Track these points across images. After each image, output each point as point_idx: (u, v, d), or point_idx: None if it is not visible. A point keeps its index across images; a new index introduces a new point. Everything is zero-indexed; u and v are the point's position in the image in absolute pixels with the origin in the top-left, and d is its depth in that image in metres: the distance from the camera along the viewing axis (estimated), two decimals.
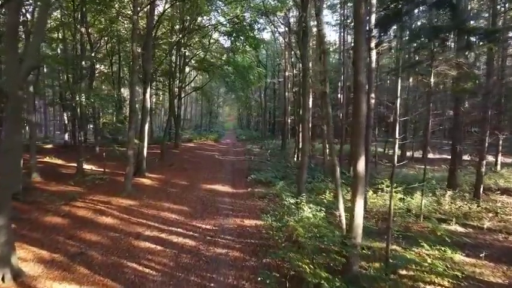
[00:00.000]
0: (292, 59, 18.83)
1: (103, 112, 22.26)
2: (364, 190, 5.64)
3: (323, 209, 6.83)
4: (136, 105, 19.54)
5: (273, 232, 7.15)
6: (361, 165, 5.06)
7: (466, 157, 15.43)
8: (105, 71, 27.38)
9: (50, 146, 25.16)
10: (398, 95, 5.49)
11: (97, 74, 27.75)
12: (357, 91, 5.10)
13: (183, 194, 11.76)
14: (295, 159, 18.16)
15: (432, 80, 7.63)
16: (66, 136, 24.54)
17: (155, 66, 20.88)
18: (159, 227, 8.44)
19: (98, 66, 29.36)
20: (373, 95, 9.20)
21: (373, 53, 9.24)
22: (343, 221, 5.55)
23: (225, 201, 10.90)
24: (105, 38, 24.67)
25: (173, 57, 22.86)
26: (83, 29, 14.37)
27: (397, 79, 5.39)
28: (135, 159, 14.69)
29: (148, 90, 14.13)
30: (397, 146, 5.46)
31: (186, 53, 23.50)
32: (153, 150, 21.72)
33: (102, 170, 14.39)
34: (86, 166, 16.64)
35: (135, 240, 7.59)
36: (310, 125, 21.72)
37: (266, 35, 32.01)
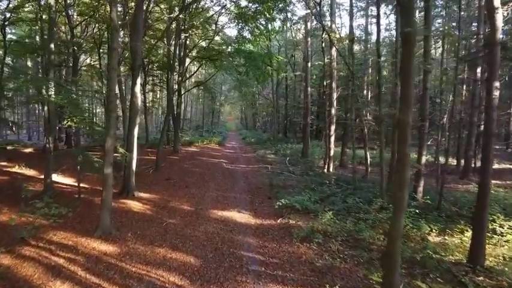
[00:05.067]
0: (323, 44, 15.24)
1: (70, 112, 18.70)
2: None
3: None
4: (128, 104, 16.05)
5: None
6: None
7: None
8: (95, 63, 23.83)
9: (29, 150, 21.72)
10: None
11: (84, 68, 24.35)
12: None
13: (185, 228, 8.17)
14: (326, 170, 14.57)
15: None
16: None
17: (148, 54, 17.24)
18: None
19: (87, 60, 25.92)
20: (497, 84, 5.64)
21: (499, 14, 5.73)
22: None
23: (249, 243, 7.29)
24: (93, 25, 21.13)
25: (171, 48, 19.30)
26: (51, 1, 10.77)
27: None
28: (124, 173, 11.22)
29: (139, 81, 10.51)
30: None
31: (187, 42, 19.89)
32: (148, 156, 18.21)
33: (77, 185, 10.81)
34: (60, 179, 13.20)
35: None
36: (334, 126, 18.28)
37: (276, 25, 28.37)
